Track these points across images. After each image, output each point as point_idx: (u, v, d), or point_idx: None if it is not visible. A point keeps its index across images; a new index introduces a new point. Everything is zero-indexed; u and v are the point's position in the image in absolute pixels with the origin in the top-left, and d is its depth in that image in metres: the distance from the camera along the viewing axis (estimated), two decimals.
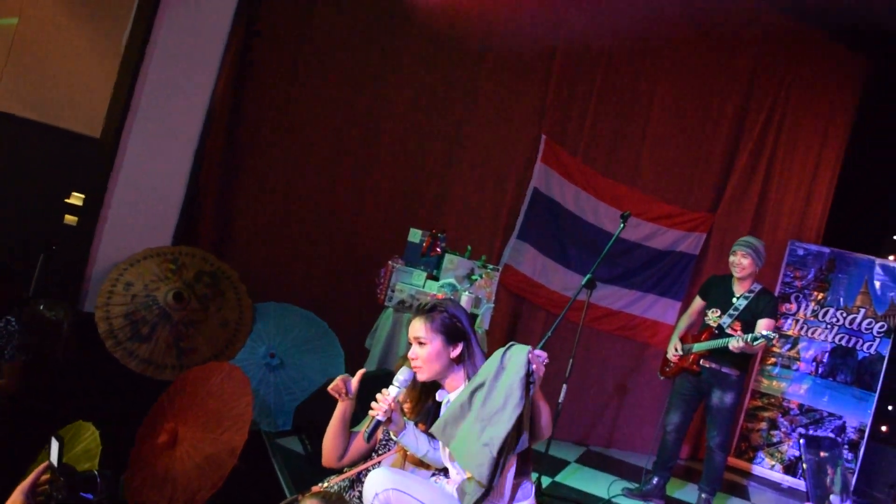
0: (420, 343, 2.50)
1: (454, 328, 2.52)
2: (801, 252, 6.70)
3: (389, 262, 4.58)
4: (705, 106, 6.48)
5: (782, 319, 6.57)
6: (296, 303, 4.87)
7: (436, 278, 4.61)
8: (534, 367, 2.27)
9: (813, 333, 6.53)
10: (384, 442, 2.88)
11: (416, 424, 2.63)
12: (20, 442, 3.46)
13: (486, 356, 2.52)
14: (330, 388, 2.65)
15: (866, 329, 6.31)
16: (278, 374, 4.44)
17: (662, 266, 6.35)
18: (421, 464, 2.70)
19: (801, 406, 6.46)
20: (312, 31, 5.21)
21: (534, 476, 3.88)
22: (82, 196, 4.89)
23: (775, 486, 6.23)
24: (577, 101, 6.04)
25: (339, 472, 2.84)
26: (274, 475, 3.73)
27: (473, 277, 4.64)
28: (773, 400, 6.58)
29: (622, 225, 4.21)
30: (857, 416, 6.24)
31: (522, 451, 2.33)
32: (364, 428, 2.47)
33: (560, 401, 4.47)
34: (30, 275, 4.38)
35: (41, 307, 4.18)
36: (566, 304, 3.84)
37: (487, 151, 5.80)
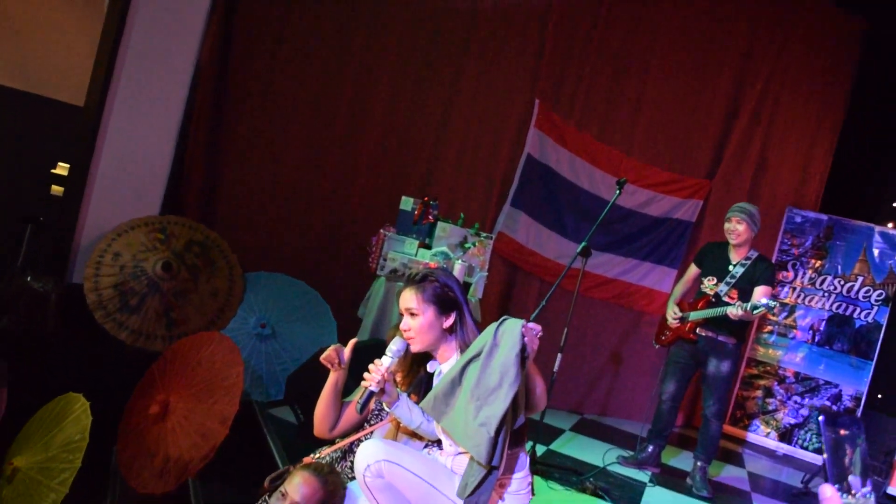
0: (412, 314, 2.44)
1: (446, 298, 2.46)
2: (798, 219, 6.65)
3: (381, 231, 4.51)
4: (702, 70, 6.38)
5: (779, 287, 6.53)
6: (286, 272, 4.81)
7: (428, 247, 4.55)
8: (527, 339, 2.21)
9: (810, 301, 6.50)
10: (376, 412, 2.83)
11: (408, 395, 2.58)
12: (8, 414, 3.41)
13: (480, 326, 2.47)
14: (322, 357, 2.60)
15: (864, 297, 6.29)
16: (269, 343, 4.39)
17: (659, 233, 6.30)
18: (414, 435, 2.66)
19: (797, 374, 6.46)
20: None
21: (528, 445, 3.86)
22: (68, 166, 4.80)
23: (770, 454, 6.25)
24: (572, 65, 5.93)
25: (331, 442, 2.80)
26: (266, 445, 3.70)
27: (466, 245, 4.57)
28: (768, 368, 6.57)
29: (618, 191, 4.15)
30: (853, 384, 6.24)
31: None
32: (356, 398, 2.42)
33: (555, 370, 4.44)
34: (17, 247, 4.30)
35: (28, 279, 4.11)
36: (559, 272, 3.79)
37: (480, 117, 5.70)
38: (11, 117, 5.06)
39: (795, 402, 6.42)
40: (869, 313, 6.24)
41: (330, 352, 2.59)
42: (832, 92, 6.74)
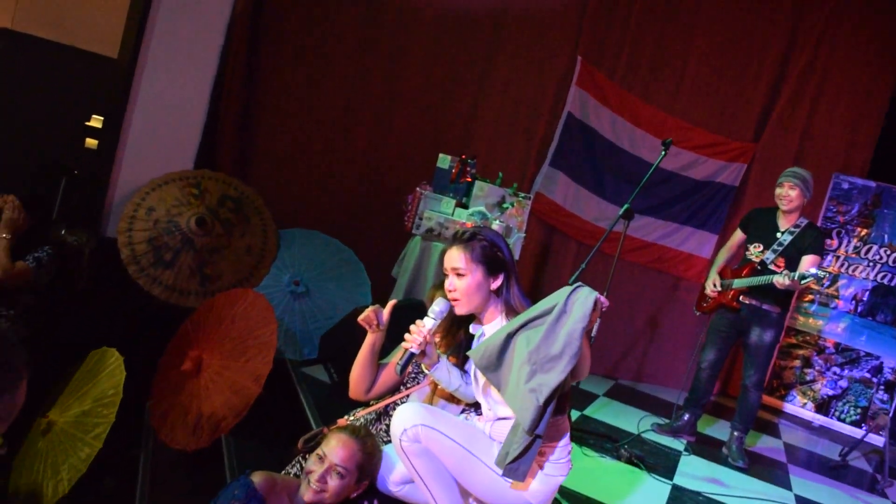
0: (458, 274, 2.33)
1: (495, 258, 2.34)
2: (845, 185, 6.42)
3: (417, 189, 4.41)
4: (751, 31, 6.12)
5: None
6: (320, 230, 4.76)
7: (465, 206, 4.44)
8: (594, 314, 2.11)
9: (854, 271, 6.30)
10: (413, 375, 2.78)
11: (447, 357, 2.51)
12: (43, 368, 3.41)
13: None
14: (360, 318, 2.53)
15: None
16: (303, 301, 4.35)
17: (700, 197, 6.12)
18: (451, 398, 2.60)
19: (837, 345, 6.30)
20: None
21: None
22: (102, 119, 4.76)
23: (806, 425, 6.13)
24: (616, 22, 5.73)
25: (366, 404, 2.75)
26: (299, 404, 3.67)
27: (504, 206, 4.46)
28: (808, 338, 6.41)
29: (664, 152, 3.98)
30: (895, 356, 6.06)
31: None
32: (395, 360, 2.35)
33: (593, 334, 4.34)
34: (52, 199, 4.29)
35: (63, 232, 4.09)
36: (597, 235, 3.67)
37: (520, 74, 5.56)
38: (47, 69, 5.01)
39: (834, 374, 6.27)
40: None
41: (368, 313, 2.52)
42: (885, 54, 6.43)
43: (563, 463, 2.36)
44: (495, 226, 4.29)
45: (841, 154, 6.47)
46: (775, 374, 6.45)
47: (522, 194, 4.57)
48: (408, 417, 2.24)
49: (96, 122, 4.81)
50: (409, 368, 2.67)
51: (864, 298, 6.24)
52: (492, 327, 2.36)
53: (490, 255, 2.34)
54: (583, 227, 5.77)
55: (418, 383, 2.73)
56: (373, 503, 2.40)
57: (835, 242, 6.39)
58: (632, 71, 5.87)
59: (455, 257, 2.34)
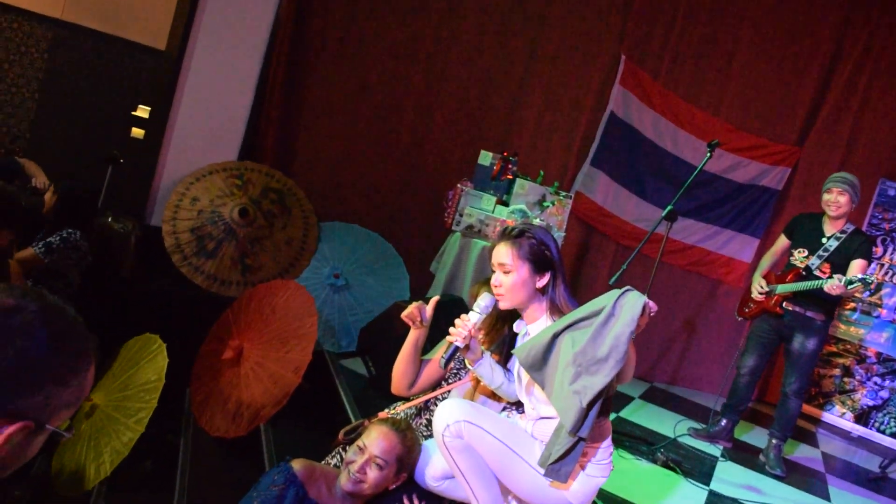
0: (505, 270, 2.32)
1: (542, 256, 2.33)
2: (892, 192, 6.27)
3: (458, 185, 4.41)
4: (799, 31, 6.01)
5: None
6: (360, 224, 4.77)
7: (506, 203, 4.43)
8: (641, 318, 2.09)
9: None
10: (454, 371, 2.77)
11: (490, 354, 2.50)
12: None
13: None
14: (404, 315, 2.53)
15: None
16: (343, 294, 4.37)
17: (742, 200, 6.03)
18: (492, 395, 2.59)
19: (878, 355, 6.16)
20: None
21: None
22: (148, 109, 4.83)
23: (845, 435, 6.01)
24: (661, 20, 5.66)
25: (406, 399, 2.75)
26: (337, 395, 3.70)
27: (545, 204, 4.44)
28: (849, 346, 6.28)
29: (709, 154, 3.93)
30: None
31: None
32: (440, 354, 2.34)
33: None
34: (98, 187, 4.36)
35: (108, 219, 4.17)
36: (637, 236, 3.63)
37: (562, 72, 5.52)
38: (95, 59, 5.10)
39: (875, 384, 6.14)
40: None
41: (412, 309, 2.53)
42: None
43: (604, 464, 2.35)
44: (536, 224, 4.28)
45: (887, 159, 6.32)
46: (814, 383, 6.34)
47: (563, 193, 4.54)
48: (451, 413, 2.23)
49: (143, 112, 4.88)
50: (452, 364, 2.67)
51: None
52: (536, 326, 2.35)
53: (538, 252, 2.32)
54: (622, 228, 5.72)
55: (460, 379, 2.73)
56: (411, 496, 2.41)
57: (879, 250, 6.25)
58: (675, 71, 5.79)
59: (502, 253, 2.33)
